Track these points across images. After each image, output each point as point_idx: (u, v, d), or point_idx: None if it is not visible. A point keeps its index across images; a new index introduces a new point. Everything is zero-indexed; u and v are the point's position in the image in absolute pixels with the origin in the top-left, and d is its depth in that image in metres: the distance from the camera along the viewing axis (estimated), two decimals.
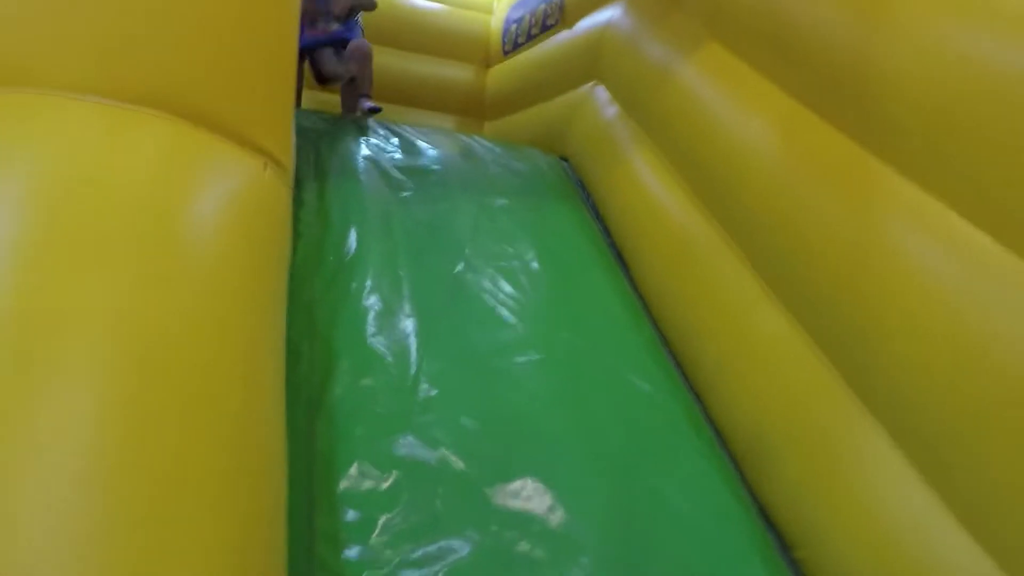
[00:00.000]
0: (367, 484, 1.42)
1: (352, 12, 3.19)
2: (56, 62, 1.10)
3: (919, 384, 1.39)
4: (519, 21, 3.97)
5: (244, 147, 1.27)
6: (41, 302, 0.91)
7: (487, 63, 4.38)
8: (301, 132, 1.84)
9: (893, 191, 1.52)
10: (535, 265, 2.30)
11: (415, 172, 2.68)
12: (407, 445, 1.54)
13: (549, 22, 3.59)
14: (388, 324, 1.85)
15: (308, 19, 3.12)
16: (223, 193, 1.17)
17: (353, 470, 1.44)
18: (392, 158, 2.79)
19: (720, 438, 1.88)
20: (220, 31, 1.26)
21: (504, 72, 4.16)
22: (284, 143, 1.42)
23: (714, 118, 2.11)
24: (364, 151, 2.81)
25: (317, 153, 2.66)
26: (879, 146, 1.57)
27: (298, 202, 2.16)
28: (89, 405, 0.83)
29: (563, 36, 3.46)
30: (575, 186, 3.00)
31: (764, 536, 1.62)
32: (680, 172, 2.30)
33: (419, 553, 1.32)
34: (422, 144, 2.98)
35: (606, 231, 2.71)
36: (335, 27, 3.15)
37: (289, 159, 1.45)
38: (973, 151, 1.35)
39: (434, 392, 1.69)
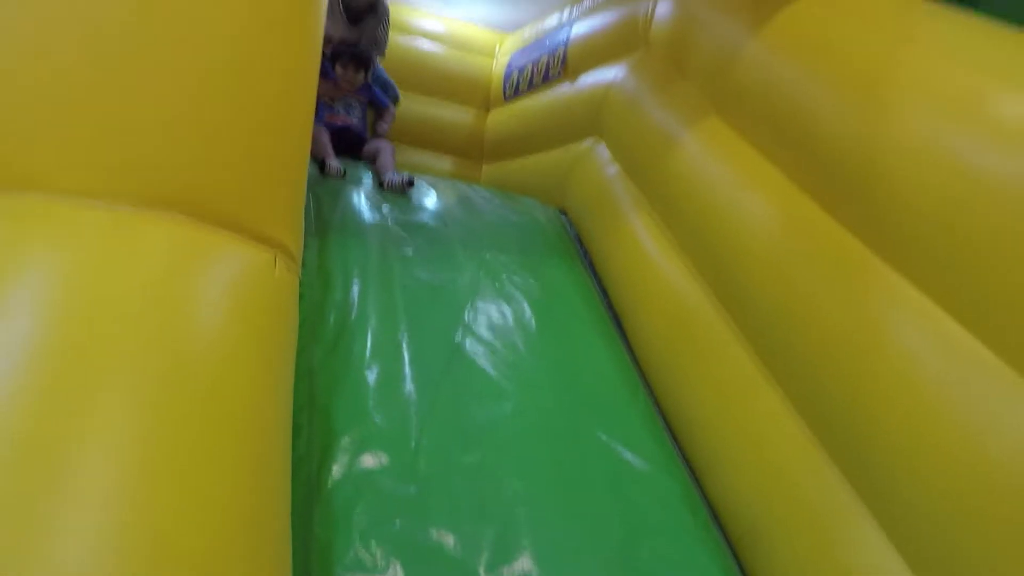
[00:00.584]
0: None
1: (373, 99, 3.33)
2: (63, 167, 1.10)
3: (911, 486, 1.41)
4: (521, 69, 4.02)
5: (255, 242, 1.28)
6: (51, 415, 0.91)
7: (487, 107, 4.43)
8: None
9: (891, 290, 1.54)
10: (533, 330, 2.31)
11: (416, 227, 2.70)
12: (406, 530, 1.53)
13: (551, 73, 3.63)
14: (388, 395, 1.85)
15: (326, 99, 3.18)
16: (231, 294, 1.17)
17: (351, 560, 1.43)
18: (393, 210, 2.80)
19: (716, 518, 1.88)
20: (230, 127, 1.26)
21: (504, 117, 4.20)
22: (295, 230, 1.43)
23: (714, 195, 2.14)
24: (365, 201, 2.83)
25: (317, 204, 2.68)
26: (877, 244, 1.60)
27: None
28: (106, 506, 0.84)
29: (565, 88, 3.50)
30: (573, 241, 3.02)
31: None
32: (679, 242, 2.32)
33: None
34: (423, 195, 3.00)
35: (603, 291, 2.73)
36: (355, 116, 3.21)
37: (298, 245, 1.46)
38: (970, 261, 1.38)
39: (433, 470, 1.69)
